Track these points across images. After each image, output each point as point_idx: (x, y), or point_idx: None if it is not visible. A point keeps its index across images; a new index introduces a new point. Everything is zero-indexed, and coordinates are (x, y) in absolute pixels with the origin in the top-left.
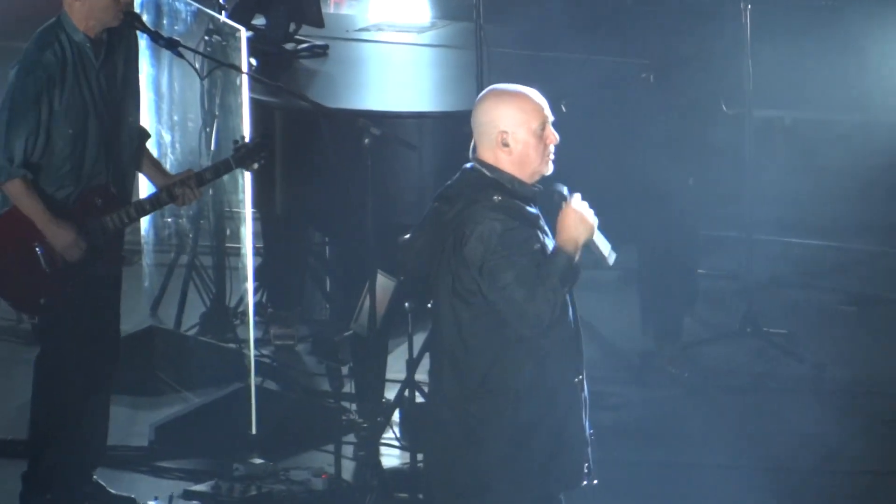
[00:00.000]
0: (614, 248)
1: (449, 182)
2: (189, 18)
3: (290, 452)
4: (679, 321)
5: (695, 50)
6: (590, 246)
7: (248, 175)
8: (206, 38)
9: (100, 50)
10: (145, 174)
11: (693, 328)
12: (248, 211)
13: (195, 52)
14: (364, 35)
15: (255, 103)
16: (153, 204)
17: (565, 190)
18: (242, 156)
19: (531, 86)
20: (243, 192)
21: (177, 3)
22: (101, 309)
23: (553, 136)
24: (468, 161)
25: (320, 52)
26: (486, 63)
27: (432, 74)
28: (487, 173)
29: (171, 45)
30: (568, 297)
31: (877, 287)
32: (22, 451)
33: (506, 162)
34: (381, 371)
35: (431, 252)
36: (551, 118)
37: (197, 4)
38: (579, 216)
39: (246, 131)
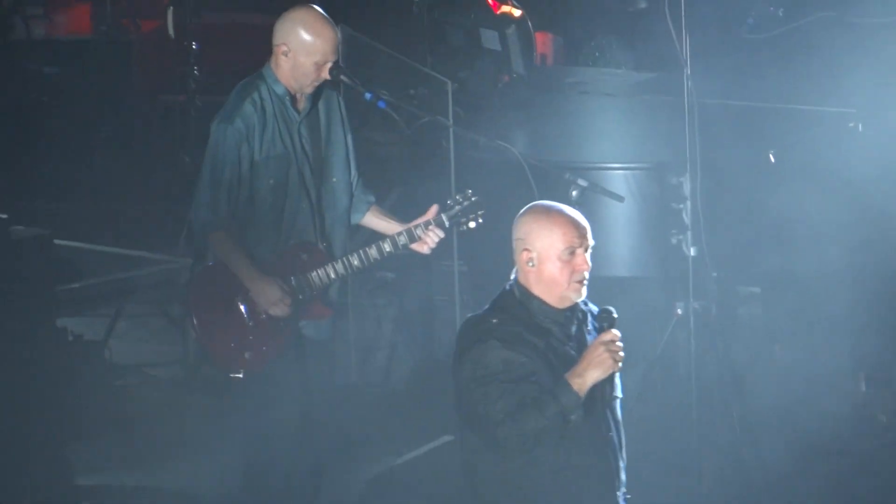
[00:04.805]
0: None
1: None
2: (394, 71)
3: None
4: (890, 367)
5: None
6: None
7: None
8: (412, 91)
9: (301, 104)
10: (375, 227)
11: None
12: (455, 263)
13: (400, 104)
14: (570, 87)
15: (460, 156)
16: (366, 256)
17: (614, 313)
18: (456, 213)
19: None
20: (452, 247)
21: (380, 55)
22: (309, 366)
23: (583, 265)
24: (678, 211)
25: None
26: (694, 113)
27: (639, 125)
28: (517, 295)
29: (377, 97)
30: (608, 412)
31: None
32: None
33: (533, 282)
34: None
35: None
36: (589, 244)
37: (402, 57)
38: (602, 357)
39: (452, 184)
